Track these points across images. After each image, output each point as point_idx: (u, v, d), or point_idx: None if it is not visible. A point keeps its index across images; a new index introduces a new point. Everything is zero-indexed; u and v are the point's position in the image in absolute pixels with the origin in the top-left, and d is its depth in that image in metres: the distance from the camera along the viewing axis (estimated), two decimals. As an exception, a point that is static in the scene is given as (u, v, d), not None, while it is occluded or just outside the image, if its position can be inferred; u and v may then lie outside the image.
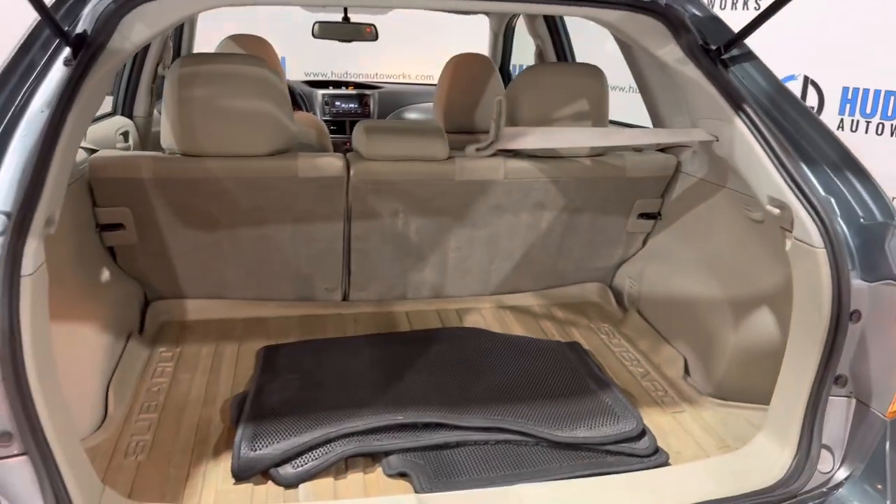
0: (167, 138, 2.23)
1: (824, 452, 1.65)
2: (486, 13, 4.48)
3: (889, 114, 3.95)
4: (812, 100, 4.74)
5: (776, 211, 1.77)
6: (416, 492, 1.65)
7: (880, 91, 3.95)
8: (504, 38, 4.74)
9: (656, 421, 1.98)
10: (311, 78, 6.25)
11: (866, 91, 4.09)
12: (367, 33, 4.72)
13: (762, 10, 1.77)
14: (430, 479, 1.68)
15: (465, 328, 2.49)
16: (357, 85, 5.36)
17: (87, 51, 1.62)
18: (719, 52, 2.00)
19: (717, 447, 1.88)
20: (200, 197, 2.27)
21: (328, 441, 1.76)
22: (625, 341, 2.48)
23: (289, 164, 2.25)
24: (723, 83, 1.96)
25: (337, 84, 5.35)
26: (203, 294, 2.56)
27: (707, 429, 1.96)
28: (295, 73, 7.34)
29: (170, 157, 2.22)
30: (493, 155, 2.39)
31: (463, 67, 3.73)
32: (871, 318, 1.61)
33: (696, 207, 2.45)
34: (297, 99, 4.91)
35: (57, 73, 1.59)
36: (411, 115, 5.18)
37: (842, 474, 1.64)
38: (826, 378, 1.62)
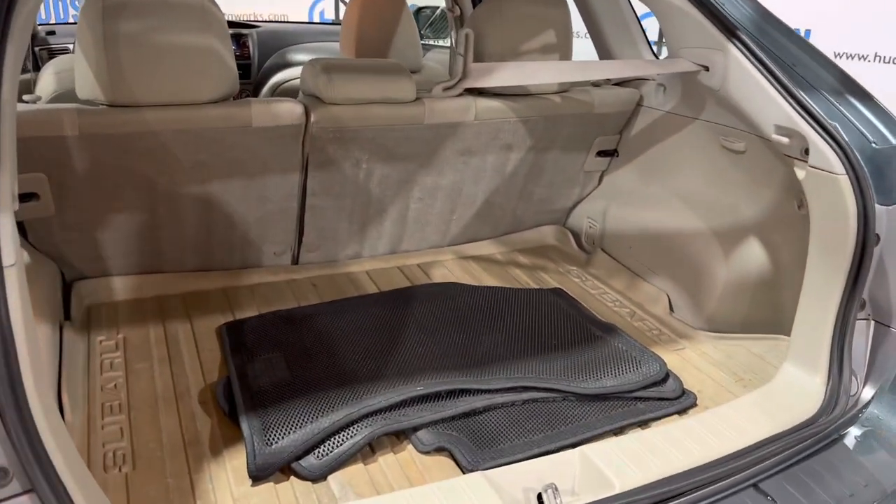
0: (87, 87, 1.85)
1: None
2: None
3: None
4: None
5: (784, 140, 1.74)
6: (462, 467, 1.50)
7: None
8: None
9: (665, 360, 1.95)
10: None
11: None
12: None
13: None
14: (472, 451, 1.54)
15: (439, 284, 2.33)
16: (231, 24, 4.87)
17: None
18: (701, -22, 1.94)
19: (734, 381, 1.87)
20: (133, 155, 1.92)
21: (350, 423, 1.57)
22: (599, 283, 2.43)
23: (241, 113, 1.95)
24: (712, 9, 1.90)
25: None
26: (133, 269, 2.21)
27: (715, 363, 1.95)
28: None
29: (97, 110, 1.84)
30: (461, 94, 2.22)
31: (371, 2, 3.46)
32: (889, 240, 1.64)
33: (661, 142, 2.41)
34: None
35: None
36: (300, 56, 4.79)
37: (867, 394, 1.68)
38: (852, 303, 1.63)
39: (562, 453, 1.45)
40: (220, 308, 2.17)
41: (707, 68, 1.97)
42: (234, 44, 4.62)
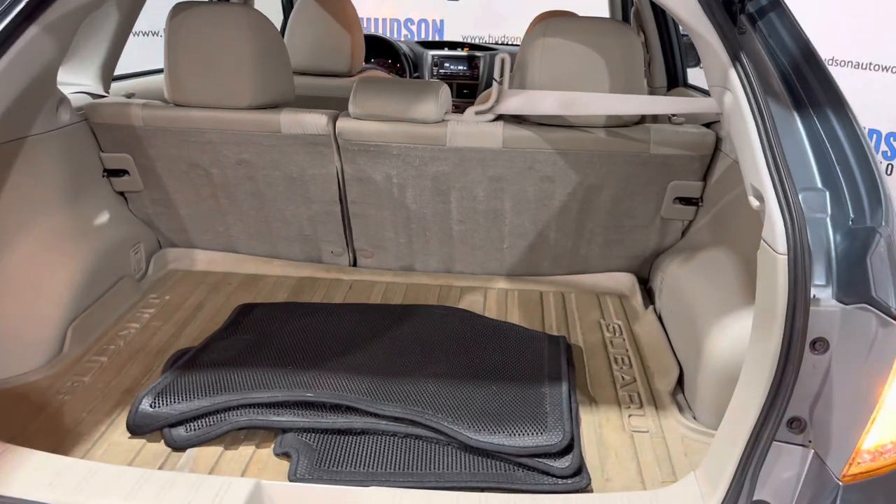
0: (165, 87, 2.25)
1: (759, 510, 1.32)
2: None
3: None
4: None
5: (757, 204, 1.42)
6: (288, 476, 1.53)
7: None
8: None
9: (607, 439, 1.70)
10: (458, 40, 6.17)
11: None
12: None
13: None
14: (309, 465, 1.55)
15: (447, 307, 2.30)
16: (472, 46, 5.17)
17: None
18: (743, 3, 1.63)
19: (660, 480, 1.57)
20: (189, 147, 2.26)
21: (228, 409, 1.69)
22: (628, 342, 2.16)
23: (270, 119, 2.18)
24: (733, 43, 1.60)
25: (453, 45, 5.20)
26: (212, 246, 2.58)
27: (661, 458, 1.65)
28: (453, 35, 7.32)
29: (160, 106, 2.23)
30: (494, 120, 2.17)
31: None
32: (840, 349, 1.25)
33: (730, 193, 2.06)
34: (403, 59, 4.84)
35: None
36: None
37: (780, 541, 1.30)
38: (770, 418, 1.28)
39: (347, 487, 1.40)
40: (262, 291, 2.43)
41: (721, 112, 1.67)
42: (466, 65, 4.92)
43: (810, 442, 1.31)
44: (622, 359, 2.07)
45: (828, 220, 1.32)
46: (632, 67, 2.13)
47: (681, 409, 1.82)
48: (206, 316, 2.25)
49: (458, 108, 4.98)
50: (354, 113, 2.18)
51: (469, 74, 4.95)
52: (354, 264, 2.60)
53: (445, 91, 2.22)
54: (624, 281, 2.49)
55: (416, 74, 4.92)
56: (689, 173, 2.21)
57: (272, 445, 1.66)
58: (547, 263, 2.49)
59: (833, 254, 1.28)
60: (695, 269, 2.07)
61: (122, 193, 2.44)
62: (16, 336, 1.89)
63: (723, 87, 1.63)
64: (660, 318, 2.22)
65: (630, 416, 1.80)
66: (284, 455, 1.61)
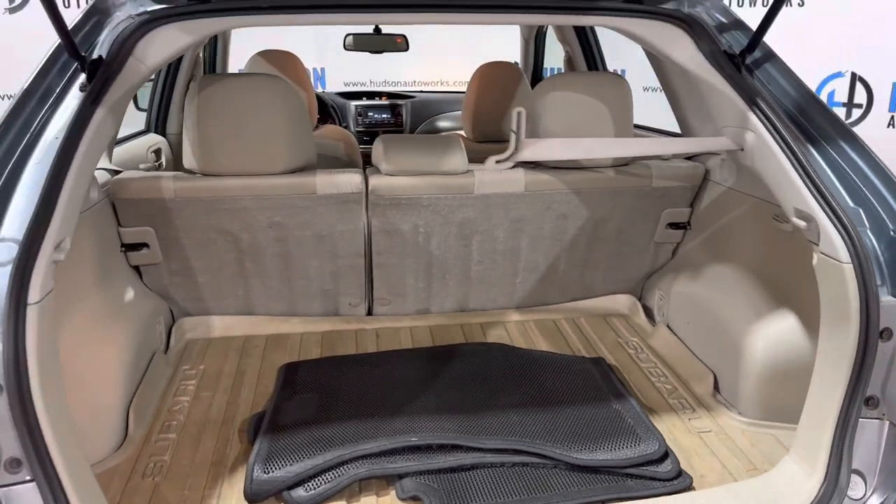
0: (188, 158, 2.26)
1: (855, 478, 1.57)
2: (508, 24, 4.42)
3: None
4: (861, 97, 4.64)
5: (802, 224, 1.70)
6: None
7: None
8: (535, 43, 4.70)
9: (682, 442, 1.92)
10: (350, 89, 6.34)
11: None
12: (398, 44, 4.75)
13: (771, 4, 1.74)
14: (442, 503, 1.65)
15: (486, 344, 2.46)
16: (390, 95, 5.37)
17: (101, 76, 1.64)
18: (743, 56, 1.94)
19: (744, 469, 1.80)
20: (221, 215, 2.28)
21: (341, 463, 1.75)
22: (653, 356, 2.40)
23: (307, 182, 2.25)
24: (746, 90, 1.90)
25: (371, 95, 5.38)
26: (229, 311, 2.57)
27: (734, 450, 1.88)
28: (335, 83, 7.42)
29: (190, 177, 2.24)
30: (514, 167, 2.36)
31: (490, 76, 3.71)
32: (904, 336, 1.53)
33: (724, 217, 2.37)
34: (330, 111, 4.95)
35: (73, 99, 1.62)
36: (443, 124, 5.17)
37: (875, 501, 1.56)
38: (855, 399, 1.54)
39: None
40: (291, 350, 2.46)
41: (742, 148, 1.95)
42: (389, 113, 5.10)
43: (884, 415, 1.58)
44: (655, 371, 2.30)
45: (869, 231, 1.61)
46: (626, 113, 2.40)
47: (727, 407, 2.07)
48: (251, 380, 2.26)
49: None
50: (386, 170, 2.30)
51: (393, 122, 5.14)
52: (370, 313, 2.68)
53: (462, 143, 2.39)
54: (624, 301, 2.75)
55: (344, 125, 5.04)
56: (681, 201, 2.50)
57: (391, 492, 1.73)
58: (555, 293, 2.70)
59: (882, 258, 1.58)
60: (706, 285, 2.35)
61: (135, 267, 2.40)
62: (83, 426, 1.84)
63: (742, 128, 1.92)
64: (670, 330, 2.48)
65: (689, 419, 2.03)
66: (413, 499, 1.69)
